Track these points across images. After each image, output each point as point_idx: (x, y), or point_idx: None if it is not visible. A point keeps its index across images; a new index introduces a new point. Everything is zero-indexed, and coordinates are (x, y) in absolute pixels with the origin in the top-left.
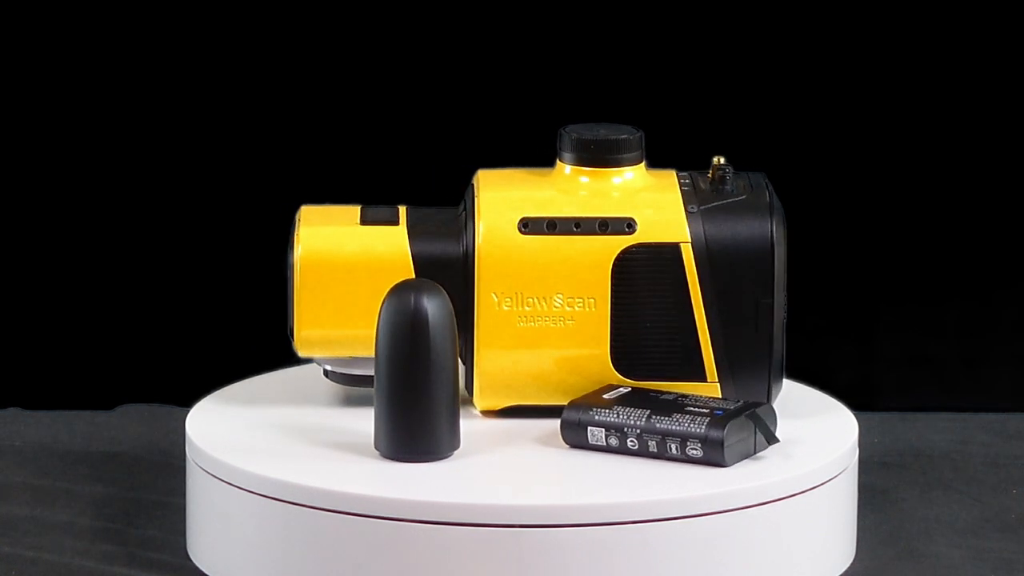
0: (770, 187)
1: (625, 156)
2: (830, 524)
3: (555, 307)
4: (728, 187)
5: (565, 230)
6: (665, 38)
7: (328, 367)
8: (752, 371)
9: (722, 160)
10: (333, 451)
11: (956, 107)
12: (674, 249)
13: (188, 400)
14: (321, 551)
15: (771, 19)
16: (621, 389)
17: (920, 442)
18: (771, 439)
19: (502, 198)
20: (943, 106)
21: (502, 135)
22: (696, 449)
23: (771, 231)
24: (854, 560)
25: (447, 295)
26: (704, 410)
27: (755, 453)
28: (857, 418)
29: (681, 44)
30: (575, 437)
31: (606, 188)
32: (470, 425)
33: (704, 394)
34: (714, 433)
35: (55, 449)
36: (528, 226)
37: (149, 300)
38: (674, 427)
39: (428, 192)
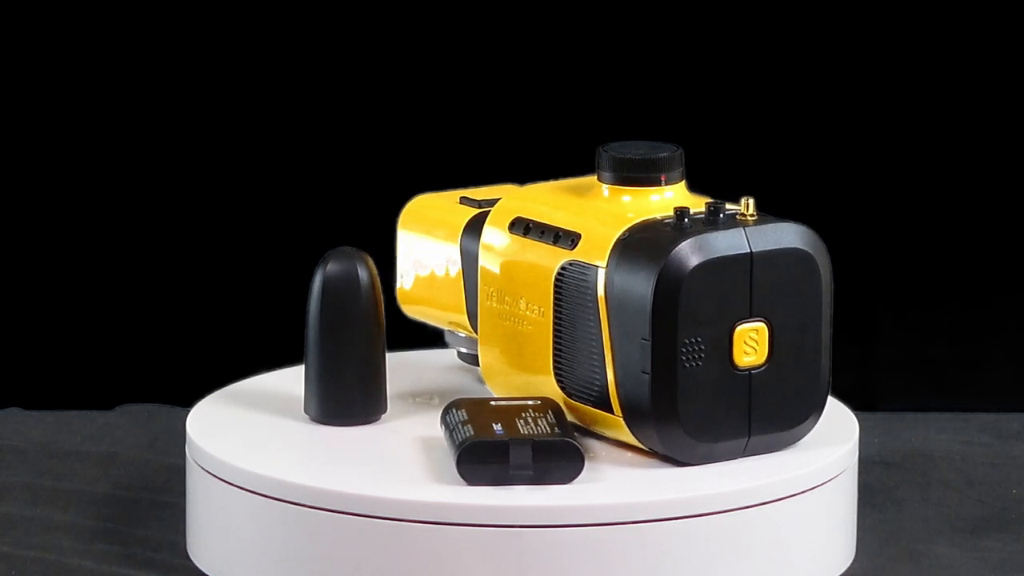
0: (752, 230)
1: (649, 176)
2: (830, 524)
3: (520, 309)
4: (687, 222)
5: (535, 235)
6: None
7: (461, 349)
8: (638, 413)
9: (750, 201)
10: (333, 451)
11: (955, 111)
12: (594, 272)
13: (188, 400)
14: (321, 551)
15: (763, 27)
16: (524, 400)
17: (920, 442)
18: (521, 471)
19: (518, 197)
20: (942, 110)
21: (563, 152)
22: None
23: (659, 269)
24: (854, 560)
25: (369, 264)
26: (498, 428)
27: (513, 483)
28: (857, 418)
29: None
30: (442, 430)
31: (600, 204)
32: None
33: (614, 428)
34: (456, 451)
35: (55, 449)
36: (514, 226)
37: (149, 300)
38: (454, 438)
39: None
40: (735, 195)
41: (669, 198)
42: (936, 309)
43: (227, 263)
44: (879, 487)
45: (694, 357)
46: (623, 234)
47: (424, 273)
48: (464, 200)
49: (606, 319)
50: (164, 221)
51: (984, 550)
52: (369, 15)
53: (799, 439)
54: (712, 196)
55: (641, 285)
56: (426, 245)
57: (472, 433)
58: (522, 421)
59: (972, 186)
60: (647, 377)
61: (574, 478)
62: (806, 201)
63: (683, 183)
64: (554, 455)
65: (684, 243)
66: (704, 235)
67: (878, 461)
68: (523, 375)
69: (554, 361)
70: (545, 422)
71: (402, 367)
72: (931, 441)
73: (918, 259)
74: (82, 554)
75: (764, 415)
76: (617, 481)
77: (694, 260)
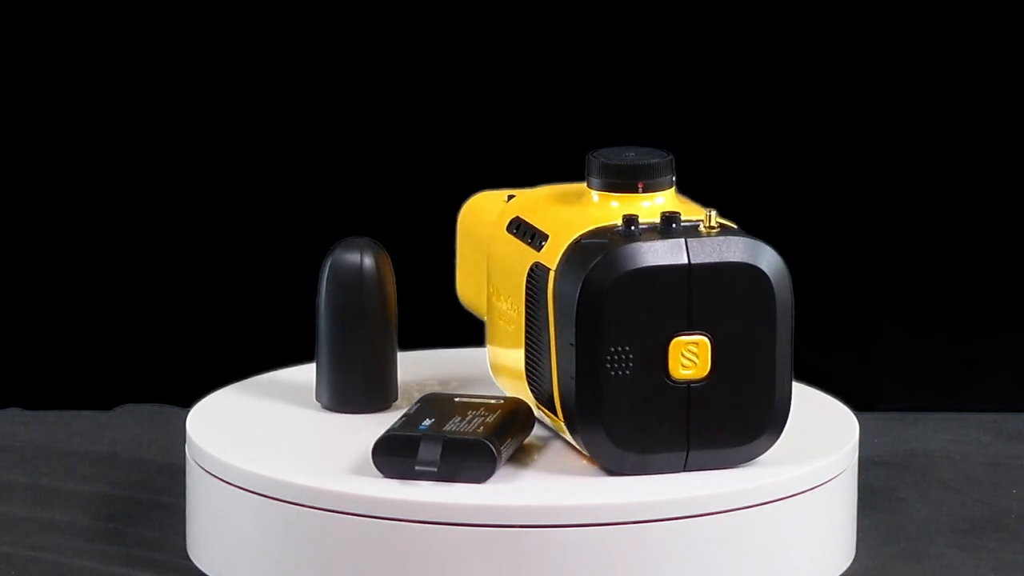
0: (689, 246)
1: (627, 182)
2: (830, 524)
3: (506, 308)
4: (634, 230)
5: (520, 235)
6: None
7: None
8: (569, 418)
9: (712, 212)
10: (333, 451)
11: (955, 111)
12: (547, 275)
13: (188, 400)
14: (321, 551)
15: (763, 28)
16: (488, 399)
17: (920, 442)
18: (427, 467)
19: (523, 198)
20: (942, 110)
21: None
22: None
23: (584, 275)
24: (854, 560)
25: (377, 253)
26: (426, 424)
27: (420, 478)
28: (857, 418)
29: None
30: None
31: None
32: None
33: (562, 432)
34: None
35: (55, 449)
36: (510, 226)
37: (150, 300)
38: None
39: (428, 217)
40: (735, 198)
41: (659, 204)
42: (936, 309)
43: (228, 262)
44: (879, 487)
45: (621, 366)
46: (576, 239)
47: (471, 269)
48: (510, 199)
49: (553, 322)
50: (164, 221)
51: (984, 550)
52: (380, 21)
53: (752, 457)
54: (710, 201)
55: (571, 290)
56: (471, 242)
57: (396, 426)
58: (459, 419)
59: (972, 186)
60: (574, 383)
61: (485, 479)
62: (807, 202)
63: (673, 189)
64: (464, 454)
65: (613, 251)
66: (639, 244)
67: (878, 461)
68: (512, 374)
69: (525, 362)
70: (482, 422)
71: (449, 362)
72: (931, 441)
73: (918, 259)
74: (82, 554)
75: (705, 430)
76: (617, 481)
77: (620, 268)
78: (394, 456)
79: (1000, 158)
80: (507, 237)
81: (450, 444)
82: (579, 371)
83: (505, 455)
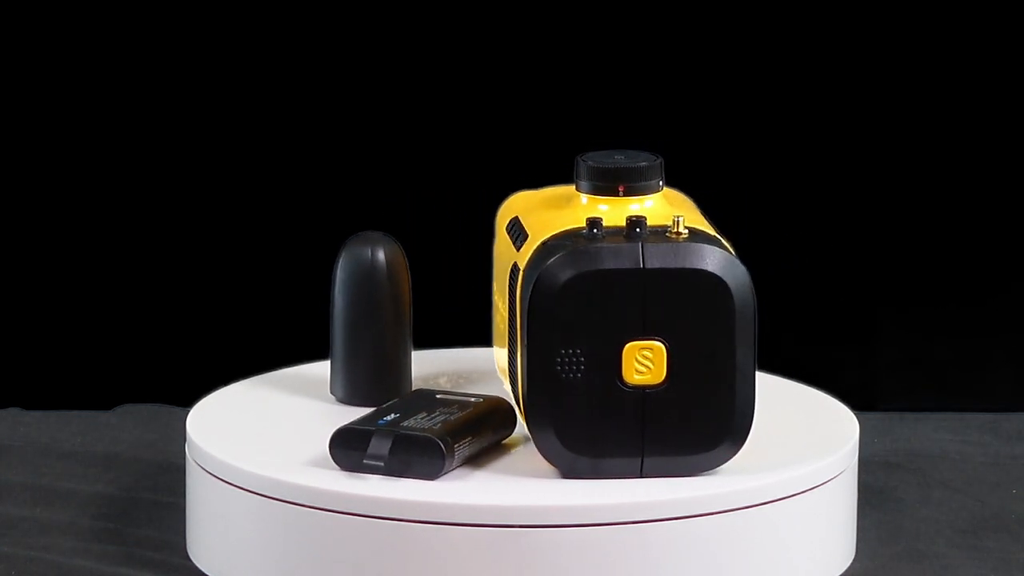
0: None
1: (609, 185)
2: (830, 524)
3: (501, 307)
4: (600, 234)
5: (512, 235)
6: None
7: None
8: (526, 420)
9: (680, 218)
10: None
11: (955, 110)
12: (518, 275)
13: (188, 400)
14: (321, 551)
15: (763, 25)
16: (467, 397)
17: (920, 442)
18: (375, 461)
19: (525, 199)
20: (942, 109)
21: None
22: None
23: (535, 277)
24: (854, 560)
25: (389, 248)
26: (386, 419)
27: (368, 472)
28: (857, 418)
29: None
30: None
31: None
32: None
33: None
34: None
35: (55, 449)
36: (507, 225)
37: (149, 300)
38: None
39: (444, 216)
40: (736, 199)
41: (648, 207)
42: (936, 309)
43: (228, 262)
44: (879, 487)
45: (572, 368)
46: (543, 241)
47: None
48: None
49: (519, 320)
50: (165, 221)
51: (984, 550)
52: (389, 25)
53: (712, 467)
54: (710, 202)
55: (526, 292)
56: (500, 240)
57: (358, 419)
58: (424, 415)
59: (972, 186)
60: (524, 383)
61: (436, 476)
62: (806, 202)
63: (661, 193)
64: (414, 450)
65: (566, 253)
66: (592, 246)
67: (878, 461)
68: (504, 373)
69: (507, 361)
70: (445, 419)
71: (469, 360)
72: (931, 441)
73: (918, 259)
74: (82, 554)
75: (661, 436)
76: (616, 482)
77: (572, 270)
78: (348, 449)
79: (1000, 158)
80: (504, 237)
81: (400, 440)
82: (530, 372)
83: (460, 454)
